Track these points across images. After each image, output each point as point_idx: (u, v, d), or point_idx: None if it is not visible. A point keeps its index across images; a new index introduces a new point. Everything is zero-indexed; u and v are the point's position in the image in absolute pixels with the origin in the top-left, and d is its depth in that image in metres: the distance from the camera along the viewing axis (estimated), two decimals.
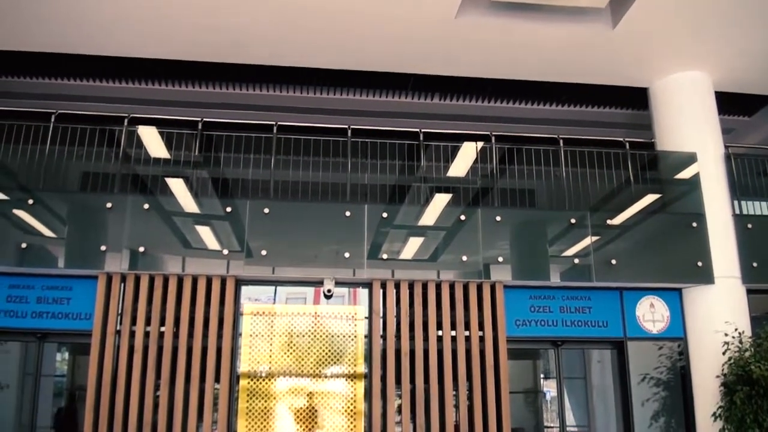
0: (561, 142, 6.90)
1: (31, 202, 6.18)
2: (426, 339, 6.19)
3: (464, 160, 6.93)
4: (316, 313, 6.29)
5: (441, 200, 6.59)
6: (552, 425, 7.45)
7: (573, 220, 6.58)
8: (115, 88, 7.65)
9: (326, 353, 6.19)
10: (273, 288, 6.31)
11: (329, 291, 6.26)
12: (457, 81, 7.59)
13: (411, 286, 6.28)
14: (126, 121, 6.43)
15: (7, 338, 6.39)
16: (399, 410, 6.10)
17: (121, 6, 6.07)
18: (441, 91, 7.92)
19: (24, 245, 6.06)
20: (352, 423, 6.05)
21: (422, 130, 6.77)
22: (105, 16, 6.23)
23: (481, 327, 6.29)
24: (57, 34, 6.60)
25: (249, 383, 6.05)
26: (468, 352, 6.23)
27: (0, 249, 6.04)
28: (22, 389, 6.34)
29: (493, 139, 6.90)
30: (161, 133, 6.51)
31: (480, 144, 6.92)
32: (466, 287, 6.34)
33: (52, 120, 6.42)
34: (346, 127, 6.63)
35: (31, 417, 6.08)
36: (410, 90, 7.82)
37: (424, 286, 6.29)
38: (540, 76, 7.42)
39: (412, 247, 6.36)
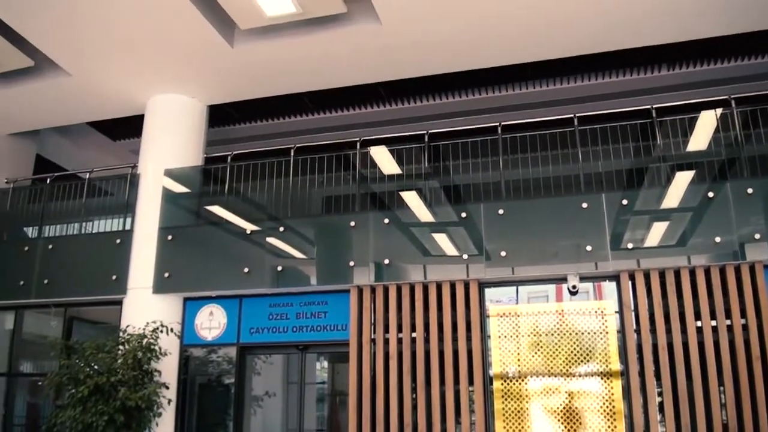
0: None
1: (281, 229, 8.81)
2: (684, 331, 7.24)
3: (704, 130, 7.91)
4: (561, 310, 7.85)
5: (683, 178, 7.69)
6: None
7: None
8: (344, 116, 10.37)
9: (576, 351, 7.65)
10: (514, 288, 8.03)
11: (574, 287, 7.80)
12: (684, 46, 8.80)
13: (662, 275, 7.44)
14: (358, 144, 8.80)
15: (271, 351, 9.07)
16: (660, 409, 7.24)
17: (346, 45, 8.55)
18: (669, 61, 9.25)
19: (279, 268, 8.63)
20: (611, 423, 7.34)
21: (654, 106, 8.00)
22: (339, 55, 8.78)
23: (743, 314, 7.15)
24: (288, 78, 9.39)
25: (502, 384, 7.75)
26: (731, 343, 7.10)
27: (259, 273, 8.69)
28: (287, 397, 8.94)
29: (733, 103, 7.85)
30: (391, 151, 8.69)
31: (719, 111, 7.90)
32: (722, 271, 7.32)
33: (292, 154, 9.03)
34: (572, 116, 8.16)
35: (298, 421, 8.46)
36: (636, 66, 9.28)
37: (677, 274, 7.40)
38: None
39: (657, 232, 7.57)
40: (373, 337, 8.18)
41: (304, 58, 8.83)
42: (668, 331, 7.39)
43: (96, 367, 8.04)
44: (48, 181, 10.46)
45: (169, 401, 8.47)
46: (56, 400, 8.89)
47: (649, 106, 8.15)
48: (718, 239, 7.37)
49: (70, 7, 7.90)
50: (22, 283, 9.74)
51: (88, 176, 10.24)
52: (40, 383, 9.49)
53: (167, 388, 8.41)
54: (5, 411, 9.82)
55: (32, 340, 10.34)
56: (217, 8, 8.11)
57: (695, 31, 8.31)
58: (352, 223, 8.47)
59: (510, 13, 7.91)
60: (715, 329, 7.26)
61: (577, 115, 8.25)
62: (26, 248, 9.97)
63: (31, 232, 10.53)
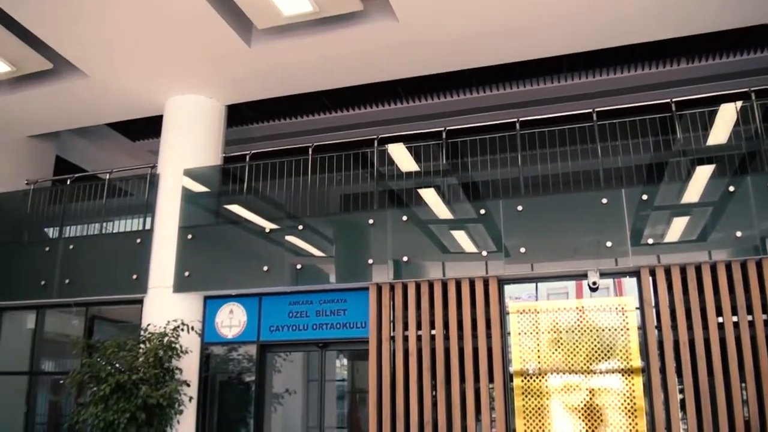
0: None
1: (300, 228, 8.87)
2: (705, 327, 7.20)
3: (724, 124, 7.87)
4: (582, 307, 7.79)
5: (704, 172, 7.65)
6: None
7: None
8: (361, 114, 10.42)
9: (597, 348, 7.60)
10: (533, 285, 8.00)
11: (594, 283, 7.75)
12: (703, 38, 8.72)
13: (683, 271, 7.41)
14: (376, 142, 8.85)
15: (291, 349, 9.14)
16: (681, 406, 7.19)
17: (364, 42, 8.58)
18: (687, 54, 9.19)
19: (299, 266, 8.69)
20: (632, 420, 7.32)
21: (673, 100, 7.97)
22: (356, 54, 8.81)
23: (764, 309, 7.11)
24: (306, 77, 9.49)
25: (522, 381, 7.73)
26: (753, 338, 7.04)
27: (278, 272, 8.74)
28: (307, 394, 8.99)
29: (753, 95, 7.79)
30: (409, 148, 8.74)
31: (739, 103, 7.84)
32: (743, 266, 7.26)
33: (310, 152, 9.09)
34: (591, 111, 8.16)
35: (318, 418, 8.53)
36: (654, 59, 9.24)
37: (698, 270, 7.36)
38: None
39: (677, 228, 7.55)
40: (392, 334, 8.22)
41: (322, 56, 8.89)
42: (689, 327, 7.35)
43: (117, 365, 8.13)
44: (68, 182, 10.57)
45: (191, 399, 8.54)
46: (78, 398, 8.99)
47: (668, 100, 8.13)
48: (739, 234, 7.32)
49: (86, 9, 7.99)
50: (43, 283, 9.86)
51: (107, 177, 10.32)
52: (61, 381, 9.63)
53: (188, 385, 8.50)
54: (27, 409, 9.96)
55: (54, 339, 10.46)
56: (234, 8, 8.17)
57: (713, 24, 8.26)
58: (371, 221, 8.52)
59: (526, 7, 7.92)
60: (736, 325, 7.21)
61: (595, 109, 8.24)
62: (47, 249, 10.10)
63: (51, 232, 10.64)
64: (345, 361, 9.40)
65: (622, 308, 7.74)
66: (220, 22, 8.20)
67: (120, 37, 8.60)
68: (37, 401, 10.15)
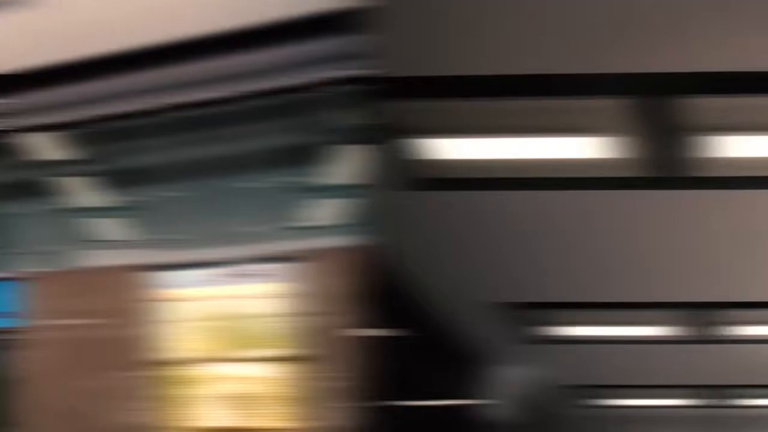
0: None
1: None
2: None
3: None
4: (232, 294, 7.42)
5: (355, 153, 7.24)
6: None
7: None
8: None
9: (248, 336, 7.34)
10: (182, 272, 7.55)
11: (245, 270, 7.34)
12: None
13: (344, 255, 7.02)
14: (15, 132, 7.94)
15: None
16: (333, 394, 6.87)
17: None
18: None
19: None
20: (287, 409, 7.03)
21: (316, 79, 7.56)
22: None
23: None
24: None
25: (170, 371, 7.34)
26: None
27: None
28: None
29: None
30: (54, 136, 7.96)
31: None
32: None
33: None
34: (231, 94, 7.42)
35: None
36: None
37: (353, 253, 7.27)
38: None
39: (329, 210, 7.40)
40: (39, 324, 7.64)
41: None
42: (344, 312, 7.07)
43: None
44: None
45: None
46: None
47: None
48: None
49: None
50: None
51: None
52: None
53: None
54: None
55: None
56: None
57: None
58: (12, 211, 7.98)
59: None
60: None
61: (234, 92, 7.82)
62: None
63: None
64: None
65: (276, 295, 7.40)
66: None
67: None
68: None
